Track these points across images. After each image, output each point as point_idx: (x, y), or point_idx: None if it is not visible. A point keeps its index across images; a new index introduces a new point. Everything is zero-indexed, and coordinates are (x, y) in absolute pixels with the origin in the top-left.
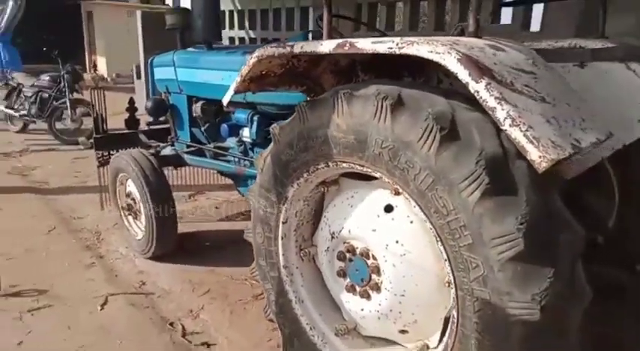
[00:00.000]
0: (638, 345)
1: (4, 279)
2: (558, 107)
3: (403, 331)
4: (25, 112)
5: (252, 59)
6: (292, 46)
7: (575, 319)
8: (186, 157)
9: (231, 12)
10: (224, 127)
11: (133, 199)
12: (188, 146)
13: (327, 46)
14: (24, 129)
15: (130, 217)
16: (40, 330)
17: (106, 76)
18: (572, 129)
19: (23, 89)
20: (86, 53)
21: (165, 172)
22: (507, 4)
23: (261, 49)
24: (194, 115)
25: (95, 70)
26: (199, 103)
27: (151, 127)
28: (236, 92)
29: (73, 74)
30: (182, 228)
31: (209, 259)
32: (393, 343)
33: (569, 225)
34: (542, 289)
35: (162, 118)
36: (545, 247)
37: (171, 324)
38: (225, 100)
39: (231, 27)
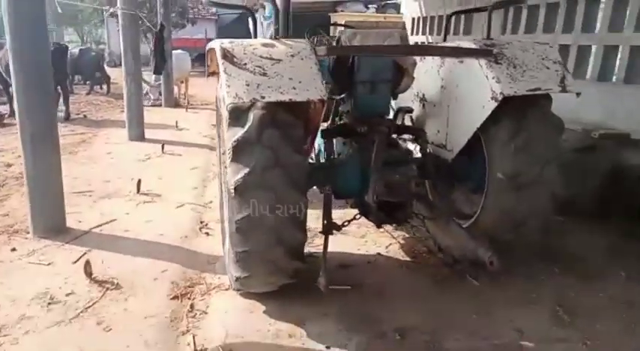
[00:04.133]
0: None
1: (145, 187)
2: (273, 80)
3: None
4: None
5: None
6: None
7: (259, 201)
8: None
9: (417, 19)
10: None
11: None
12: None
13: None
14: None
15: None
16: (144, 209)
17: None
18: (269, 91)
19: None
20: None
21: None
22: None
23: None
24: None
25: None
26: None
27: None
28: None
29: None
30: None
31: None
32: None
33: (275, 148)
34: (238, 178)
35: None
36: (245, 156)
37: None
38: None
39: (417, 33)
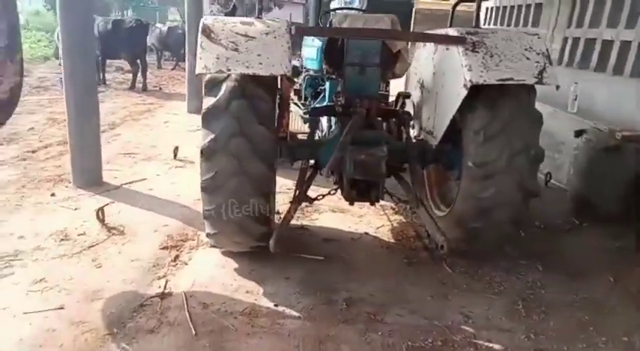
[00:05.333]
0: None
1: (183, 154)
2: (241, 54)
3: None
4: None
5: None
6: None
7: (223, 166)
8: None
9: (491, 9)
10: None
11: None
12: None
13: None
14: None
15: None
16: (173, 173)
17: None
18: (236, 64)
19: None
20: None
21: None
22: None
23: None
24: None
25: None
26: None
27: None
28: None
29: None
30: None
31: None
32: None
33: (240, 118)
34: (205, 143)
35: None
36: (213, 124)
37: None
38: None
39: (495, 23)
